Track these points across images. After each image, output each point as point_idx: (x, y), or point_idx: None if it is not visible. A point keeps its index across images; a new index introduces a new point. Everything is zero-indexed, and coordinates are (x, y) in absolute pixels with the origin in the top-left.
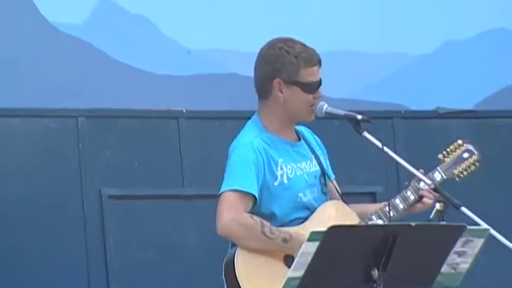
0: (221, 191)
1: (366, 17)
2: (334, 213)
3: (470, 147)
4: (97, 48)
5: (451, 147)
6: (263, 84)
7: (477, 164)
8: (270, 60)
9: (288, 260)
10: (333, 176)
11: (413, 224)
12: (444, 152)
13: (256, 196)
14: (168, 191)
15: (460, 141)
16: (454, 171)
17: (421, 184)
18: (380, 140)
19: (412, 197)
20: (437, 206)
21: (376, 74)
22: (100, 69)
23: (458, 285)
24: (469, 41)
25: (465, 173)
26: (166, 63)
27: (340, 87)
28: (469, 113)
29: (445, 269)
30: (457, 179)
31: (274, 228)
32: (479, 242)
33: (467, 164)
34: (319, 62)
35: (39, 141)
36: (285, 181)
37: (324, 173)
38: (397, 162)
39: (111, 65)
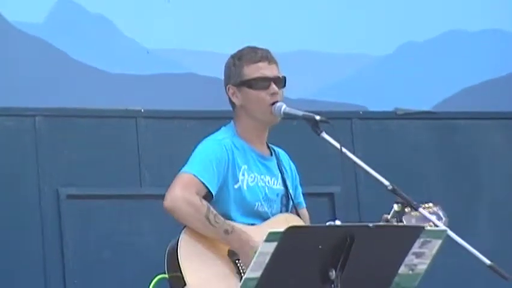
0: (181, 171)
1: (325, 18)
2: (284, 222)
3: (440, 212)
4: (56, 47)
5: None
6: (227, 96)
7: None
8: (224, 72)
9: (232, 254)
10: (303, 204)
11: (371, 224)
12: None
13: (212, 191)
14: (126, 190)
15: (431, 204)
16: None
17: None
18: (338, 141)
19: None
20: (395, 207)
21: (335, 75)
22: (59, 68)
23: (415, 286)
24: (428, 43)
25: (422, 210)
26: (124, 63)
27: (299, 88)
28: (428, 114)
29: (402, 270)
30: (413, 220)
31: (220, 217)
32: (437, 243)
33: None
34: (266, 58)
35: None
36: (245, 187)
37: (287, 195)
38: (355, 163)
39: (69, 64)
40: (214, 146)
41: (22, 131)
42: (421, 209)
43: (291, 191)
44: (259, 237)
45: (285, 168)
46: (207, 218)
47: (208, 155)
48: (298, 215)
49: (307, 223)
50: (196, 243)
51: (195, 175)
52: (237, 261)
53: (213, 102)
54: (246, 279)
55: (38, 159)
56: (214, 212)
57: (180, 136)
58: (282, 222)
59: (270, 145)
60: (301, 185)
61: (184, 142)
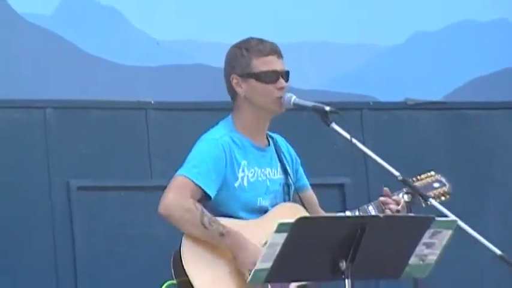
0: (176, 174)
1: (335, 8)
2: (284, 214)
3: (443, 179)
4: (66, 39)
5: (423, 175)
6: (227, 85)
7: (447, 196)
8: (227, 60)
9: None
10: (307, 186)
11: (381, 215)
12: (414, 178)
13: (209, 193)
14: (136, 182)
15: (432, 172)
16: None
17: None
18: (348, 132)
19: (372, 212)
20: (405, 197)
21: (345, 65)
22: (68, 60)
23: (426, 276)
24: (438, 33)
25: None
26: (135, 54)
27: (309, 78)
28: (438, 105)
29: (413, 260)
30: (423, 204)
31: (214, 219)
32: (447, 234)
33: (436, 193)
34: (276, 52)
35: (6, 132)
36: (245, 184)
37: (287, 183)
38: (365, 154)
39: (79, 55)
40: (211, 147)
41: (32, 123)
42: (431, 200)
43: (291, 176)
44: (262, 231)
45: (284, 155)
46: (202, 222)
47: (204, 157)
48: (301, 199)
49: (315, 204)
50: (199, 247)
51: (189, 178)
52: None
53: (223, 94)
54: (256, 270)
55: (48, 151)
56: (209, 215)
57: (190, 128)
58: (284, 213)
59: (267, 133)
60: (310, 175)
61: (194, 133)
